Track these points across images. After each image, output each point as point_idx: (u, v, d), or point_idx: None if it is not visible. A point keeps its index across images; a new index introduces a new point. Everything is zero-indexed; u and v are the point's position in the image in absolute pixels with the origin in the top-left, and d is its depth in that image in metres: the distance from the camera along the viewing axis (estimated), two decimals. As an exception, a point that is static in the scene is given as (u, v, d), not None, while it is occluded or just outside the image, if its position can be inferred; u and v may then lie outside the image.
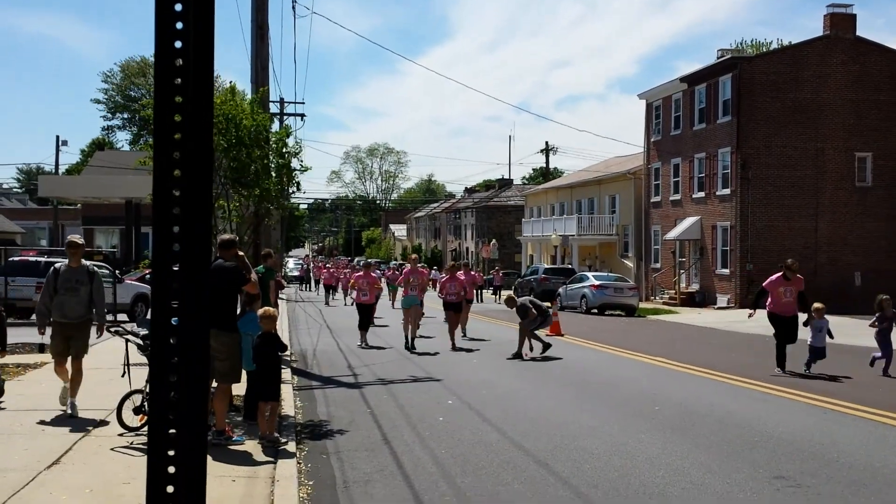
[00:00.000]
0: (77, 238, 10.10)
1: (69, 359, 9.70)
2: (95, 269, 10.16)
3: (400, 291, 23.97)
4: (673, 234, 40.27)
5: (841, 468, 7.86)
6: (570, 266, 45.35)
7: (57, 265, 9.99)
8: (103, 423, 9.07)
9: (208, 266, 1.22)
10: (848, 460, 8.15)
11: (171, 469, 1.16)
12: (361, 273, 20.55)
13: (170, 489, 1.18)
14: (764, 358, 16.39)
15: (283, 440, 8.54)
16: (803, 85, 35.90)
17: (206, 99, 1.24)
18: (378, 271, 41.92)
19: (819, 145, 35.89)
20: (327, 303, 38.12)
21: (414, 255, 21.23)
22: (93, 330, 9.87)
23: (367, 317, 19.64)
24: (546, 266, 45.96)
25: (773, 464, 8.01)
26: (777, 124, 35.71)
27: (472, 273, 27.76)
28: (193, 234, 1.19)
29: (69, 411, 9.45)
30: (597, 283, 33.50)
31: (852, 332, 20.94)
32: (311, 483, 7.29)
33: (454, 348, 18.28)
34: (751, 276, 34.96)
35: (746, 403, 11.54)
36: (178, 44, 1.20)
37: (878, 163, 36.33)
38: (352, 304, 24.95)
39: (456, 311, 19.48)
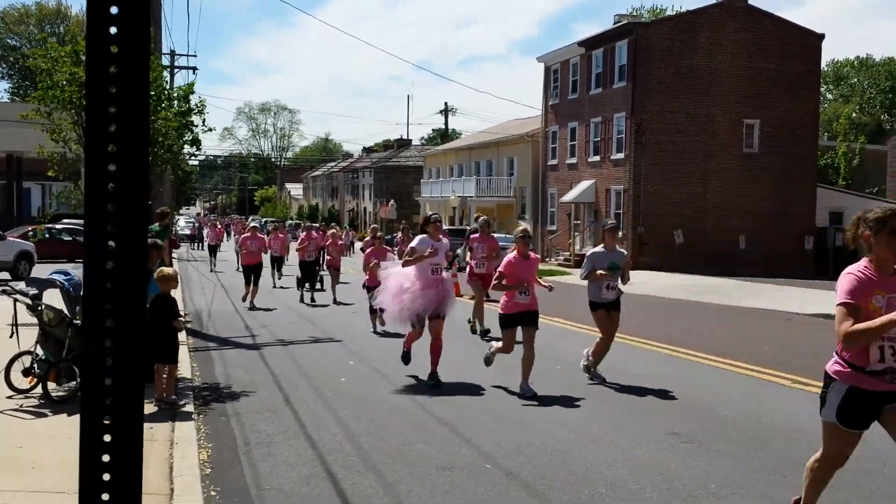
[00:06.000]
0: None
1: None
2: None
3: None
4: (569, 196, 40.99)
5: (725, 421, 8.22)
6: (466, 227, 45.68)
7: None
8: (-12, 386, 8.67)
9: (146, 225, 1.14)
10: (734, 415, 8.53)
11: (107, 437, 1.10)
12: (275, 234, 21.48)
13: (105, 458, 1.12)
14: (655, 318, 16.96)
15: (182, 403, 8.36)
16: (697, 52, 36.83)
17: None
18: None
19: (710, 112, 36.99)
20: (212, 268, 31.69)
21: (375, 226, 20.89)
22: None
23: (310, 274, 20.30)
24: (445, 228, 46.17)
25: (671, 422, 8.31)
26: (670, 90, 36.59)
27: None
28: (129, 188, 1.11)
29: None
30: (495, 244, 33.83)
31: (733, 294, 21.83)
32: (211, 445, 7.17)
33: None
34: (642, 239, 36.00)
35: (644, 363, 11.91)
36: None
37: (765, 130, 37.71)
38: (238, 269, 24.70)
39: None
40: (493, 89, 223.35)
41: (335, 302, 19.78)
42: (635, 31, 36.91)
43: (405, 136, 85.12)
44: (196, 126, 12.87)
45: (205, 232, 51.17)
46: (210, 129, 13.56)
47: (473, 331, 14.84)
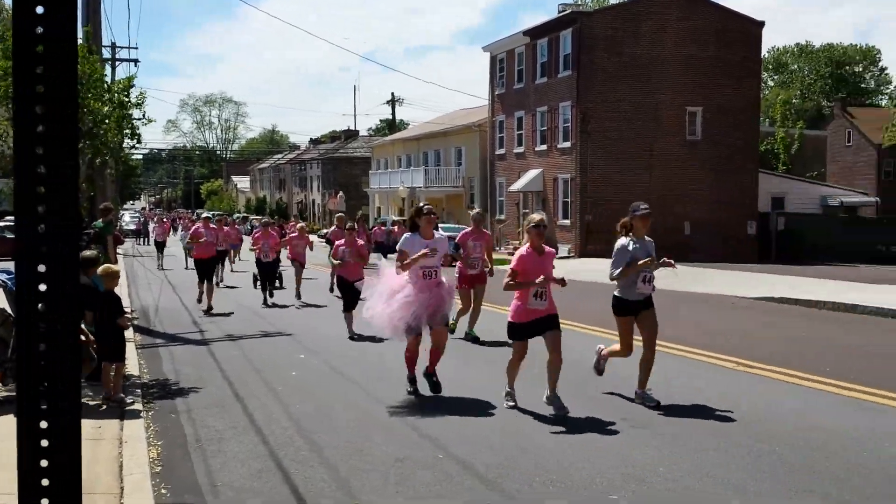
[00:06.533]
0: None
1: None
2: None
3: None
4: (517, 185, 41.19)
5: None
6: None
7: None
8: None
9: (79, 226, 1.13)
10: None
11: (45, 442, 1.08)
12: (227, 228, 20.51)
13: (43, 463, 1.10)
14: (602, 305, 17.12)
15: (130, 400, 8.25)
16: (640, 40, 37.21)
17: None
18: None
19: (653, 100, 37.43)
20: (160, 265, 30.84)
21: (340, 215, 20.16)
22: None
23: (270, 274, 18.62)
24: (395, 218, 46.08)
25: (622, 407, 8.43)
26: (615, 79, 36.93)
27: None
28: (59, 190, 1.10)
29: None
30: (445, 234, 33.87)
31: (678, 280, 22.14)
32: (160, 443, 7.09)
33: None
34: (589, 227, 36.35)
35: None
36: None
37: (706, 117, 38.27)
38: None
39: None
40: (440, 79, 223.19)
41: (298, 298, 18.63)
42: (579, 20, 37.17)
43: (352, 127, 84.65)
44: (136, 119, 12.64)
45: (150, 227, 50.36)
46: (150, 121, 13.32)
47: (475, 339, 12.71)
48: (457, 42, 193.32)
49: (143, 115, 12.91)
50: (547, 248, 8.35)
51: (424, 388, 8.96)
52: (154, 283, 23.90)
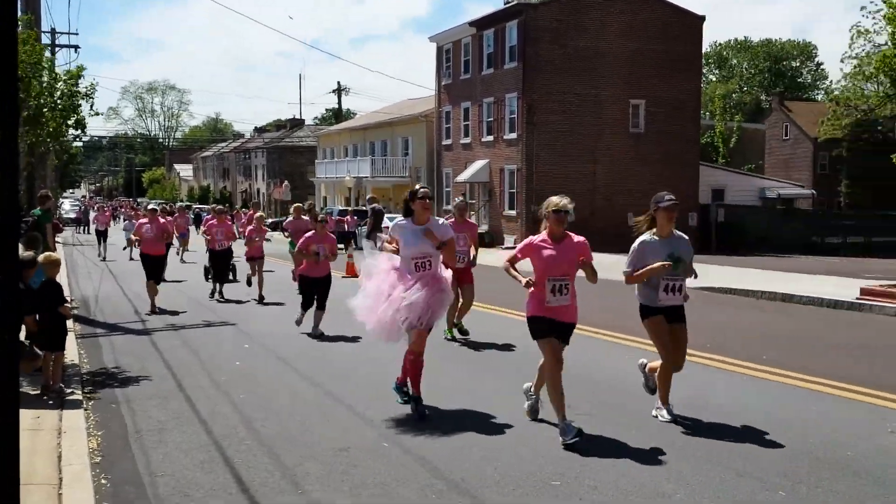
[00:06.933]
0: None
1: None
2: None
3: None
4: (463, 176, 41.29)
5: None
6: (365, 208, 45.49)
7: None
8: None
9: (16, 220, 1.13)
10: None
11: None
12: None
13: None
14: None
15: (69, 391, 8.12)
16: (584, 33, 37.52)
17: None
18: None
19: (597, 92, 37.79)
20: (101, 255, 29.38)
21: (298, 205, 19.01)
22: None
23: (223, 265, 17.19)
24: (340, 208, 45.86)
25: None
26: (560, 71, 37.20)
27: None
28: None
29: None
30: (392, 224, 33.87)
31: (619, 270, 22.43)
32: (100, 434, 7.00)
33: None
34: (535, 218, 36.55)
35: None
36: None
37: (649, 110, 38.78)
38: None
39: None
40: (387, 69, 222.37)
41: (261, 301, 16.44)
42: (525, 11, 37.33)
43: (298, 116, 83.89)
44: (83, 110, 12.44)
45: (91, 216, 49.28)
46: (97, 114, 13.13)
47: (463, 332, 11.96)
48: (404, 31, 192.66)
49: (92, 107, 12.71)
50: (575, 238, 7.01)
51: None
52: (95, 272, 23.45)
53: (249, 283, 17.93)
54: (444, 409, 7.86)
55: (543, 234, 6.99)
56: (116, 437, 6.94)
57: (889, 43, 15.29)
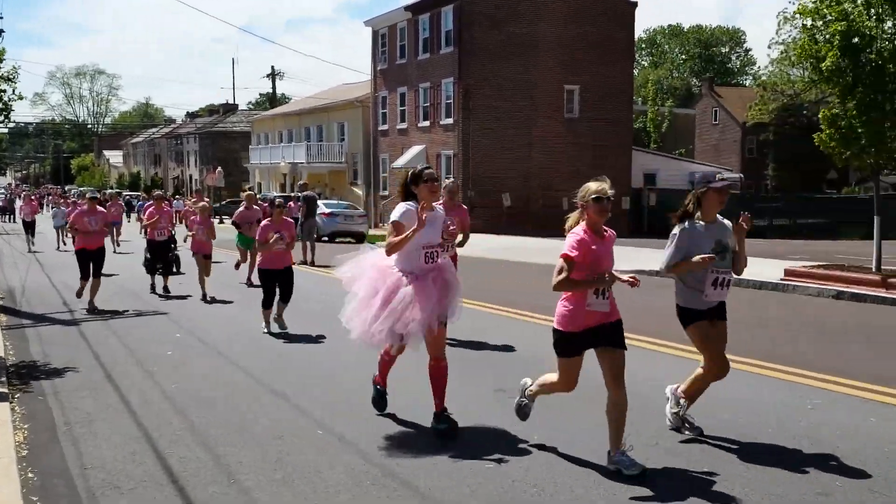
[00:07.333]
0: None
1: None
2: None
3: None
4: (400, 162, 41.20)
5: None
6: (299, 193, 45.10)
7: None
8: None
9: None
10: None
11: None
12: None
13: None
14: (484, 279, 17.42)
15: (-7, 385, 7.92)
16: (519, 18, 37.69)
17: None
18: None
19: (533, 77, 38.04)
20: (30, 248, 27.59)
21: (250, 193, 18.37)
22: None
23: (163, 256, 16.13)
24: (276, 195, 45.39)
25: (499, 379, 8.63)
26: (496, 56, 37.34)
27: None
28: None
29: None
30: (327, 210, 33.68)
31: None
32: (27, 426, 6.86)
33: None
34: (472, 203, 36.72)
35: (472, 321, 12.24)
36: None
37: (584, 95, 39.19)
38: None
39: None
40: (322, 53, 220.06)
41: (207, 299, 14.91)
42: (460, -4, 37.34)
43: (231, 101, 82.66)
44: (7, 96, 12.08)
45: (17, 204, 47.91)
46: (20, 98, 12.75)
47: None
48: (339, 15, 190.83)
49: (15, 91, 12.37)
50: (608, 231, 6.07)
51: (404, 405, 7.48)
52: (21, 262, 22.84)
53: (250, 283, 16.68)
54: (364, 396, 7.88)
55: (583, 225, 5.90)
56: (44, 430, 6.81)
57: (804, 35, 15.85)
